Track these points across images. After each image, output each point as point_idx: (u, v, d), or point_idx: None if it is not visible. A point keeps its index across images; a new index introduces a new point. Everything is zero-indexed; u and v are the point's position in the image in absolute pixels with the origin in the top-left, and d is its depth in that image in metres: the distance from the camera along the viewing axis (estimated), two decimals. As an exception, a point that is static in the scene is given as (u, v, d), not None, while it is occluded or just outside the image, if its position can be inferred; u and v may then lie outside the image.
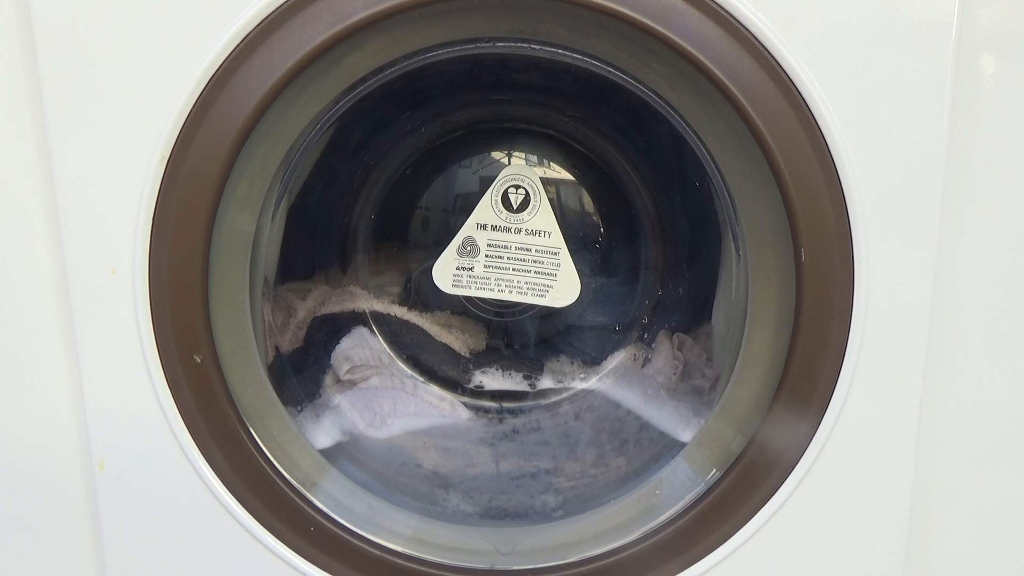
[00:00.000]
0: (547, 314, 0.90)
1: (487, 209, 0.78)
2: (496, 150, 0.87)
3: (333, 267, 0.88)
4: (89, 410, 0.62)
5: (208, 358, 0.60)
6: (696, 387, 0.78)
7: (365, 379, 0.84)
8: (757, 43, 0.54)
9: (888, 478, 0.61)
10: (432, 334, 0.88)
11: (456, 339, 0.88)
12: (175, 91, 0.56)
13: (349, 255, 0.88)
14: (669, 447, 0.72)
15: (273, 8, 0.55)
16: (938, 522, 0.65)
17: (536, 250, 0.78)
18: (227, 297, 0.62)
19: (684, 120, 0.61)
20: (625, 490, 0.70)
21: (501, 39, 0.61)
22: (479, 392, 0.88)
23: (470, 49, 0.61)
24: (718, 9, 0.54)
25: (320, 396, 0.80)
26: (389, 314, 0.87)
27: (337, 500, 0.67)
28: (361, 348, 0.86)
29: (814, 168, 0.55)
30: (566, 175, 0.87)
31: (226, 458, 0.62)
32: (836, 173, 0.55)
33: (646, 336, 0.89)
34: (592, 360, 0.90)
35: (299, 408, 0.75)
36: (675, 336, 0.85)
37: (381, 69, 0.61)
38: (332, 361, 0.85)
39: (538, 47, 0.61)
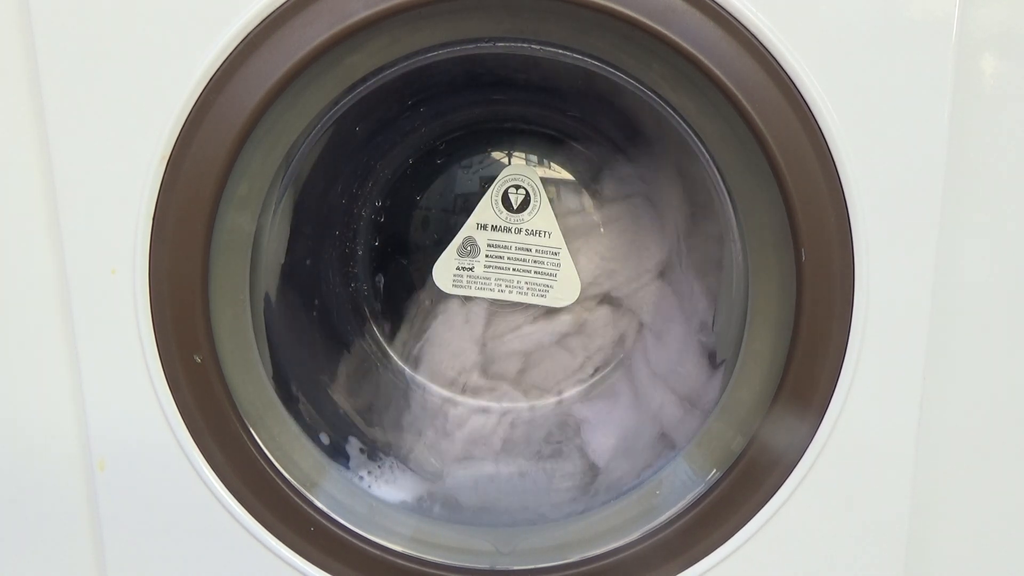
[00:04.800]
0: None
1: (487, 209, 0.78)
2: (496, 150, 0.87)
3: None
4: (89, 410, 0.62)
5: (208, 358, 0.60)
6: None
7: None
8: (757, 43, 0.54)
9: (888, 478, 0.61)
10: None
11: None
12: (175, 91, 0.56)
13: (349, 256, 0.88)
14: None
15: (273, 8, 0.55)
16: (938, 522, 0.65)
17: (536, 250, 0.78)
18: (227, 297, 0.62)
19: (684, 120, 0.61)
20: (625, 490, 0.70)
21: (501, 39, 0.61)
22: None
23: (470, 49, 0.61)
24: (718, 9, 0.54)
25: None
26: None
27: (337, 500, 0.67)
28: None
29: (814, 168, 0.55)
30: (566, 175, 0.87)
31: (226, 458, 0.62)
32: (836, 173, 0.55)
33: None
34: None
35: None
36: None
37: (381, 69, 0.61)
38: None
39: (538, 47, 0.61)
